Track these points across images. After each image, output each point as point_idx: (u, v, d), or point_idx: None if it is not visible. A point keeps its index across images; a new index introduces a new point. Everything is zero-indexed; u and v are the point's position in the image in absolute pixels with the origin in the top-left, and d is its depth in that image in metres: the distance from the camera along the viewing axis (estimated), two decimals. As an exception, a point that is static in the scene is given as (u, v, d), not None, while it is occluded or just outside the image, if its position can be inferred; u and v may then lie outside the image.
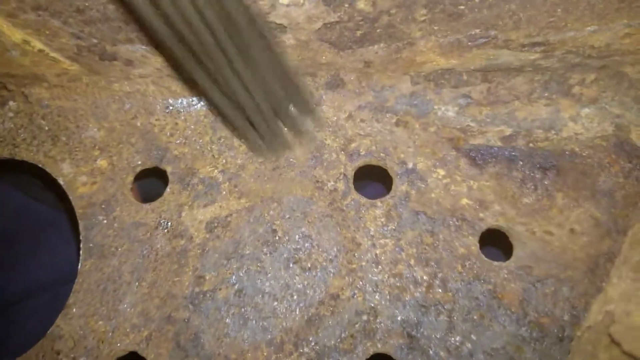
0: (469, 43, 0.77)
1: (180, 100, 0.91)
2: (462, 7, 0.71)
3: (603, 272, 0.78)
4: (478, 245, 0.83)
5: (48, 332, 0.84)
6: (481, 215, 0.84)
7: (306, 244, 0.84)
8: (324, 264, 0.83)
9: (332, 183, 0.87)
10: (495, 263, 0.82)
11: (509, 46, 0.78)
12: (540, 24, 0.74)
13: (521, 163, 0.85)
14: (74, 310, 0.84)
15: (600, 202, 0.82)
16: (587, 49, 0.78)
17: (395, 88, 0.86)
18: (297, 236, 0.85)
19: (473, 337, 0.79)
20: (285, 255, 0.84)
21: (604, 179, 0.83)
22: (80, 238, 0.87)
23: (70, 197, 0.88)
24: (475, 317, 0.80)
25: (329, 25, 0.74)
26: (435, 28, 0.74)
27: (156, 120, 0.91)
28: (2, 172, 1.16)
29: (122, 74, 0.88)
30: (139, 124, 0.91)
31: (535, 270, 0.81)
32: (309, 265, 0.83)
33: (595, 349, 0.62)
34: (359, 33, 0.76)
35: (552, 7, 0.71)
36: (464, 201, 0.84)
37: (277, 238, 0.85)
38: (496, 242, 0.88)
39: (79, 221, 0.87)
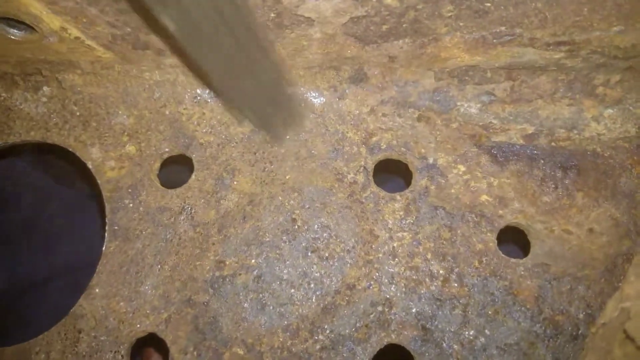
0: (494, 40, 0.78)
1: (208, 91, 0.93)
2: (488, 4, 0.72)
3: (621, 273, 0.78)
4: (496, 241, 0.84)
5: (71, 310, 0.86)
6: (500, 212, 0.84)
7: (325, 234, 0.86)
8: (342, 254, 0.85)
9: (352, 175, 0.89)
10: (513, 260, 0.83)
11: (534, 44, 0.78)
12: (566, 23, 0.74)
13: (542, 162, 0.85)
14: (97, 290, 0.86)
15: (621, 203, 0.82)
16: (613, 50, 0.78)
17: (419, 83, 0.88)
18: (316, 226, 0.86)
19: (487, 331, 0.80)
20: (303, 244, 0.85)
21: (625, 180, 0.83)
22: (106, 221, 0.90)
23: (98, 181, 0.91)
24: (490, 313, 0.80)
25: (355, 20, 0.76)
26: (461, 24, 0.75)
27: (184, 109, 0.93)
28: (32, 156, 1.20)
29: (154, 63, 0.91)
30: (167, 113, 0.93)
31: (552, 268, 0.81)
32: (327, 255, 0.85)
33: (609, 345, 0.62)
34: (384, 28, 0.77)
35: (579, 6, 0.72)
36: (484, 197, 0.85)
37: (296, 227, 0.86)
38: (514, 240, 0.88)
39: (106, 204, 0.90)
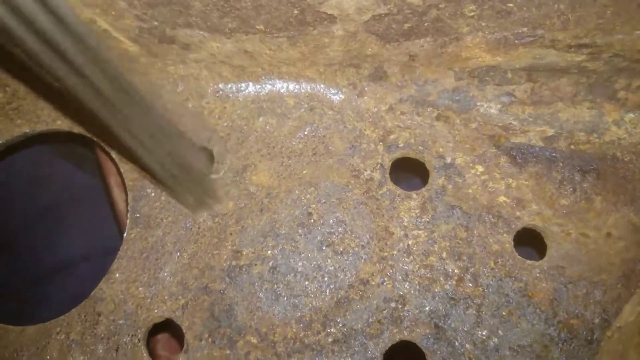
0: (516, 41, 0.78)
1: (230, 86, 0.95)
2: (511, 4, 0.72)
3: (638, 278, 0.78)
4: (512, 243, 0.83)
5: (91, 294, 0.89)
6: (518, 213, 0.84)
7: (340, 229, 0.87)
8: (356, 249, 0.86)
9: (369, 172, 0.89)
10: (528, 262, 0.82)
11: (556, 46, 0.78)
12: (589, 25, 0.74)
13: (561, 164, 0.85)
14: (117, 275, 0.89)
15: (640, 208, 0.81)
16: (635, 53, 0.77)
17: (438, 83, 0.88)
18: (331, 220, 0.87)
19: (500, 332, 0.80)
20: (319, 238, 0.87)
21: (645, 185, 0.82)
22: (128, 208, 0.92)
23: (122, 170, 0.94)
24: (503, 313, 0.80)
25: (377, 17, 0.77)
26: (483, 24, 0.75)
27: (206, 103, 0.95)
28: (55, 144, 1.24)
29: (178, 57, 0.93)
30: (190, 106, 0.96)
31: (568, 271, 0.81)
32: (342, 250, 0.86)
33: (625, 348, 0.62)
34: (406, 26, 0.78)
35: (602, 8, 0.72)
36: (502, 199, 0.85)
37: (312, 221, 0.88)
38: (530, 242, 0.88)
39: (128, 192, 0.92)
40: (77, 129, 0.97)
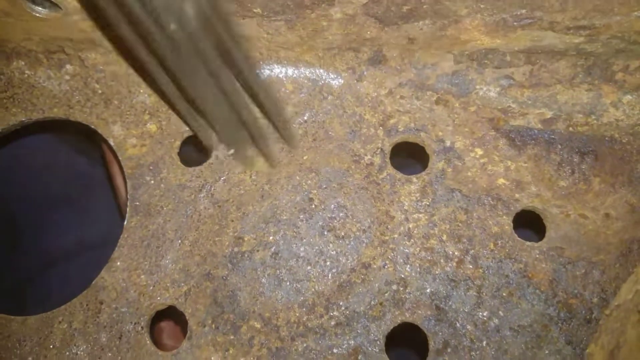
0: (515, 23, 0.78)
1: None
2: (510, -14, 0.72)
3: (636, 258, 0.79)
4: (512, 224, 0.84)
5: (93, 282, 0.89)
6: (517, 195, 0.85)
7: (341, 214, 0.87)
8: (358, 233, 0.86)
9: (369, 157, 0.90)
10: (528, 243, 0.83)
11: (554, 28, 0.78)
12: (587, 6, 0.74)
13: (560, 146, 0.86)
14: (118, 263, 0.89)
15: (637, 189, 0.82)
16: (633, 35, 0.78)
17: (438, 66, 0.88)
18: (332, 206, 0.88)
19: (501, 313, 0.81)
20: (320, 223, 0.87)
21: (642, 166, 0.83)
22: (128, 196, 0.92)
23: (120, 158, 0.93)
24: (504, 294, 0.81)
25: (376, 0, 0.76)
26: (482, 6, 0.75)
27: None
28: (57, 132, 1.22)
29: (175, 42, 0.92)
30: None
31: (567, 252, 0.82)
32: (343, 234, 0.86)
33: (623, 325, 0.63)
34: (405, 8, 0.78)
35: (601, -10, 0.72)
36: (501, 181, 0.86)
37: (313, 206, 0.88)
38: (530, 223, 0.89)
39: (127, 180, 0.92)
40: (73, 117, 0.96)
